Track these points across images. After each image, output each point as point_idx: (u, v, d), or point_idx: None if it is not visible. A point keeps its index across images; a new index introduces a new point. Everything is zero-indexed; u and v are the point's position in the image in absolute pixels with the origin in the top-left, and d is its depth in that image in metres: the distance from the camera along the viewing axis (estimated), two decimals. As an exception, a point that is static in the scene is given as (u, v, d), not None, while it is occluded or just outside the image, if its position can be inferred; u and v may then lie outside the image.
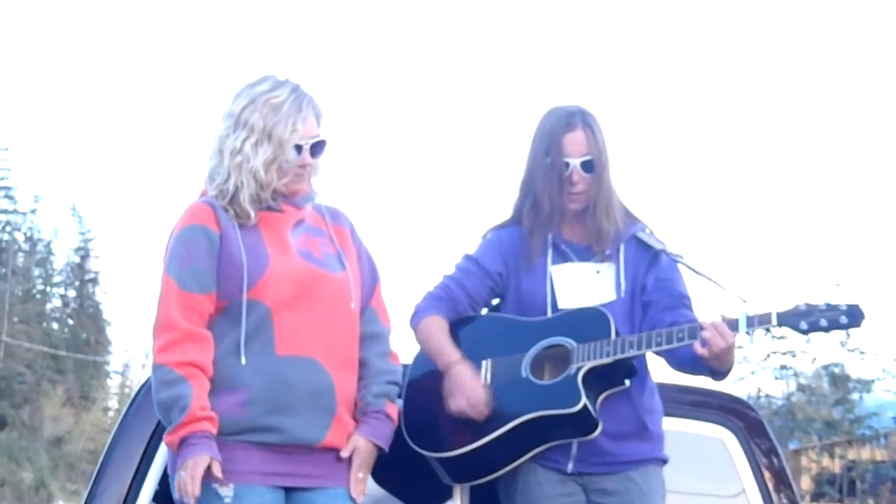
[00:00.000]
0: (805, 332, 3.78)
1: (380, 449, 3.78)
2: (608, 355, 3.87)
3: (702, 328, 3.78)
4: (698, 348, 3.77)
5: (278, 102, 3.71)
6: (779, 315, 3.78)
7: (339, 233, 3.89)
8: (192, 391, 3.53)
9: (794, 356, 12.42)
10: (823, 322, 3.75)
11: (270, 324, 3.64)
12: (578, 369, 3.88)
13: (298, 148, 3.72)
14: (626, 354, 3.87)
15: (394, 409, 3.84)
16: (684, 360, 3.95)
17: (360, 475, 3.73)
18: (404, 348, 4.10)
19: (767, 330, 3.83)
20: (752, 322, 3.79)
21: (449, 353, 4.01)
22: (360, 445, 3.73)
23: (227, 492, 3.56)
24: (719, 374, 3.93)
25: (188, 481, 3.52)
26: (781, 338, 12.13)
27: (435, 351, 4.05)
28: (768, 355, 12.58)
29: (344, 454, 3.71)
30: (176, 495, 3.59)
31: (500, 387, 3.96)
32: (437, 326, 4.09)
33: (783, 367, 12.65)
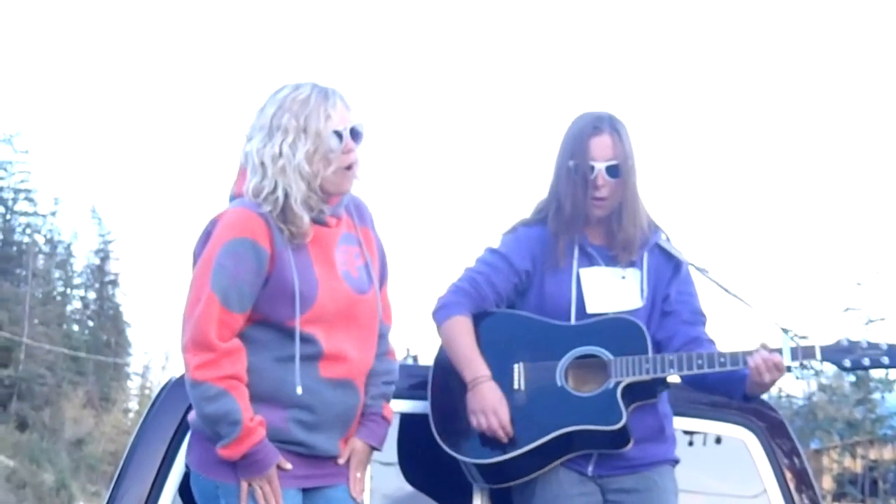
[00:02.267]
0: (847, 370, 3.90)
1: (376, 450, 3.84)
2: (648, 373, 3.89)
3: (748, 356, 3.83)
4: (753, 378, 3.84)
5: (304, 97, 3.67)
6: (822, 350, 3.87)
7: (365, 236, 3.87)
8: (238, 404, 3.53)
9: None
10: (866, 361, 3.87)
11: (319, 349, 3.65)
12: (617, 384, 3.89)
13: (339, 135, 3.67)
14: (666, 374, 3.90)
15: (389, 409, 3.87)
16: (711, 383, 4.00)
17: (359, 475, 3.78)
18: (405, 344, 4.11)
19: (806, 366, 3.93)
20: (795, 355, 3.87)
21: (477, 367, 3.99)
22: (358, 448, 3.78)
23: None
24: (751, 399, 4.02)
25: (270, 496, 3.58)
26: (804, 337, 12.09)
27: (462, 361, 4.02)
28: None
29: (341, 461, 3.75)
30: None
31: (534, 394, 3.97)
32: (464, 331, 4.05)
33: (804, 367, 12.60)
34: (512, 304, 4.18)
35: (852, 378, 12.34)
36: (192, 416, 3.69)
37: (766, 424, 4.35)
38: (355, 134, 3.72)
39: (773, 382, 3.85)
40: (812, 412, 12.59)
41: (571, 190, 4.05)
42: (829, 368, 12.78)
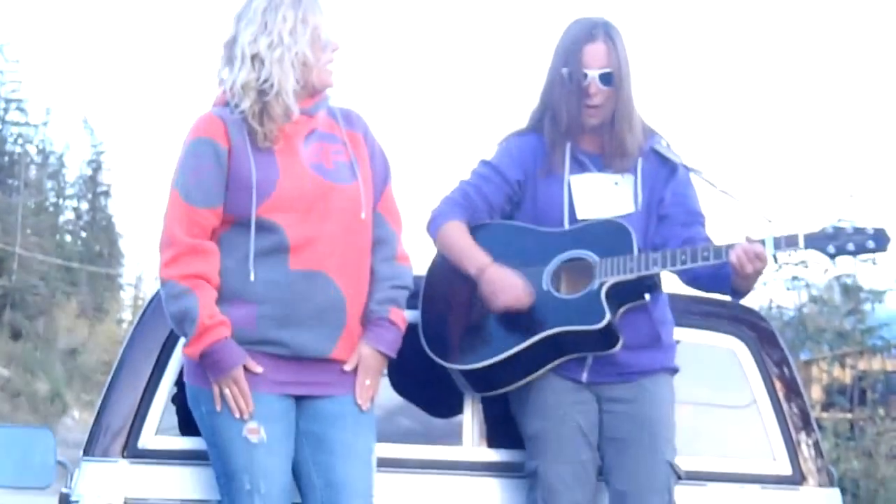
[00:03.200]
0: (832, 256, 3.79)
1: (388, 356, 3.80)
2: (632, 271, 3.86)
3: (730, 248, 3.79)
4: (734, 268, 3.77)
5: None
6: (806, 237, 3.78)
7: (352, 138, 3.84)
8: (199, 301, 3.54)
9: (805, 267, 12.41)
10: (850, 246, 3.77)
11: (284, 239, 3.63)
12: (601, 284, 3.87)
13: (328, 32, 3.72)
14: (650, 272, 3.88)
15: (399, 314, 3.83)
16: (702, 279, 3.97)
17: (368, 382, 3.75)
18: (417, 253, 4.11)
19: (794, 252, 3.82)
20: (778, 244, 3.79)
21: (479, 257, 3.99)
22: (365, 353, 3.74)
23: (254, 437, 3.60)
24: (739, 294, 3.96)
25: (238, 397, 3.58)
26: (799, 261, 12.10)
27: (463, 256, 4.02)
28: (780, 266, 12.56)
29: (348, 367, 3.73)
30: (198, 403, 3.68)
31: None
32: (460, 231, 4.05)
33: (794, 278, 12.64)
34: (508, 215, 4.17)
35: (846, 270, 12.38)
36: None
37: (756, 334, 4.35)
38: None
39: (756, 273, 3.80)
40: (802, 323, 12.65)
41: (565, 98, 4.02)
42: (820, 279, 12.84)
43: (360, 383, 3.74)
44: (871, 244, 3.77)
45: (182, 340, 3.69)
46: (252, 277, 3.61)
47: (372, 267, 3.81)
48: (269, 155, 3.67)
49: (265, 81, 3.64)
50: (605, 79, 3.99)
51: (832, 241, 3.78)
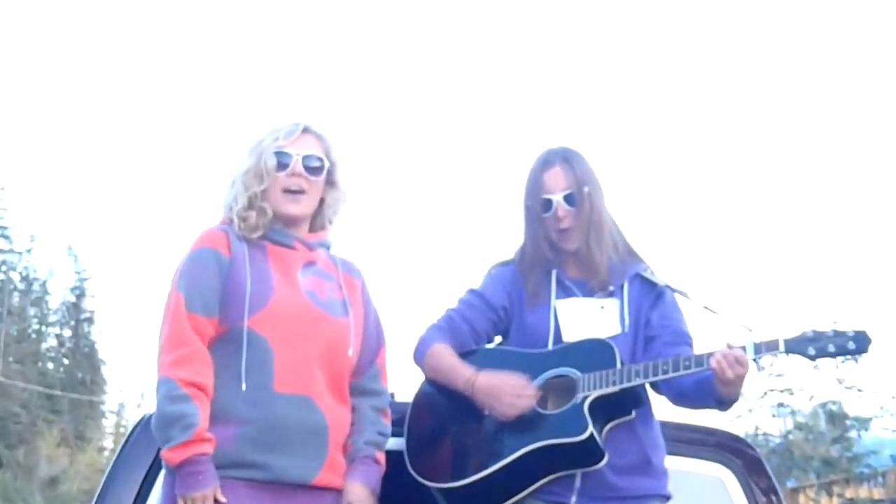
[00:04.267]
0: (813, 359, 3.79)
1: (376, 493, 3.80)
2: (614, 384, 3.87)
3: (710, 356, 3.78)
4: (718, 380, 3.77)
5: (274, 125, 3.85)
6: (786, 342, 3.79)
7: (348, 282, 3.92)
8: (199, 412, 3.53)
9: (791, 394, 12.42)
10: (831, 348, 3.77)
11: (270, 358, 3.65)
12: (584, 398, 3.87)
13: (282, 157, 3.80)
14: (633, 383, 3.88)
15: (382, 456, 3.87)
16: (687, 391, 3.96)
17: None
18: (403, 385, 4.13)
19: (775, 357, 3.82)
20: (759, 349, 3.80)
21: (464, 369, 4.01)
22: (358, 491, 3.75)
23: None
24: (725, 403, 3.92)
25: None
26: (780, 375, 12.12)
27: (450, 373, 4.04)
28: (765, 392, 12.57)
29: (352, 501, 3.72)
30: None
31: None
32: (445, 352, 4.08)
33: (780, 405, 12.63)
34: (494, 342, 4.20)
35: (831, 397, 12.37)
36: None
37: (743, 462, 4.34)
38: (310, 167, 3.83)
39: (739, 379, 3.78)
40: (788, 450, 12.62)
41: (532, 227, 4.12)
42: (805, 405, 12.82)
43: None
44: (851, 345, 3.77)
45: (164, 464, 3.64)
46: (244, 387, 3.61)
47: (362, 409, 3.86)
48: (266, 271, 3.74)
49: (229, 201, 3.82)
50: (570, 199, 4.07)
51: (812, 344, 3.78)
